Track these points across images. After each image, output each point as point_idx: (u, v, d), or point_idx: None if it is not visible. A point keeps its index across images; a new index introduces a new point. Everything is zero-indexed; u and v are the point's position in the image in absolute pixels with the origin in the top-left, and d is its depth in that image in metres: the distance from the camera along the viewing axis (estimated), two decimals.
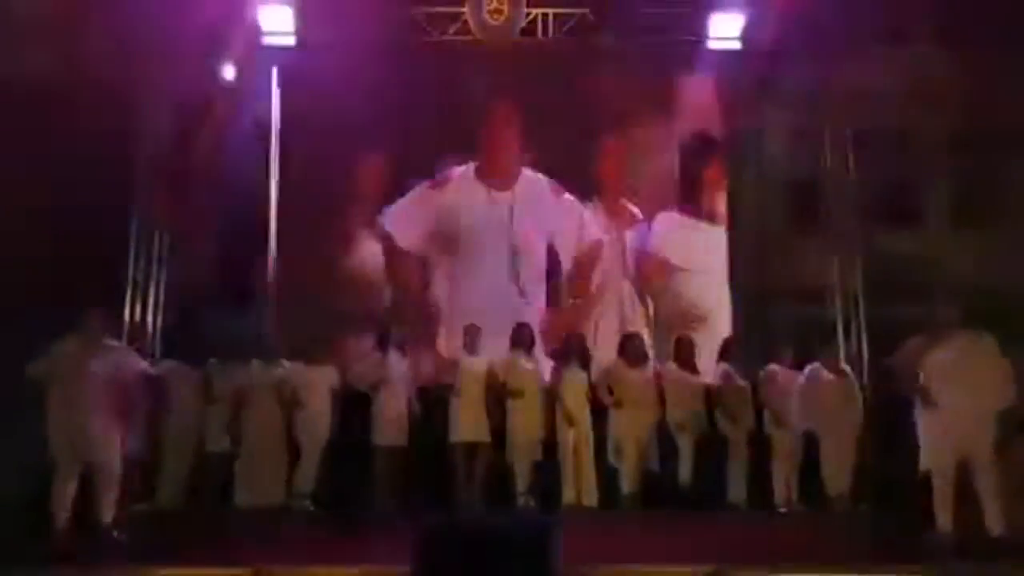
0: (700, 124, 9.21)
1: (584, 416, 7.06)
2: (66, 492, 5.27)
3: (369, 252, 8.80)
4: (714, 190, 9.22)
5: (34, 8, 7.73)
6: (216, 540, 5.37)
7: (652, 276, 9.04)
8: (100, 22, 7.46)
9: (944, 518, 5.11)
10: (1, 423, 5.99)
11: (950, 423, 5.12)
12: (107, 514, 5.32)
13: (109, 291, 7.76)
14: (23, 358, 5.97)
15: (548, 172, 8.92)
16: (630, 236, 9.09)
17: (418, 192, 8.82)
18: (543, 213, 8.88)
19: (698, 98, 9.17)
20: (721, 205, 9.15)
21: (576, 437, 6.99)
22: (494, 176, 8.90)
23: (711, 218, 9.23)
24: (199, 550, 5.02)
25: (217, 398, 6.87)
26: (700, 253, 9.13)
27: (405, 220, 8.79)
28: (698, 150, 9.23)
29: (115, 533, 5.33)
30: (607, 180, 9.13)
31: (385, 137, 8.63)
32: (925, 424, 5.28)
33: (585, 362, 7.26)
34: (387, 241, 8.78)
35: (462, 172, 8.90)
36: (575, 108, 8.84)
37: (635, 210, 9.13)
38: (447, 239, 8.76)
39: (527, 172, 8.92)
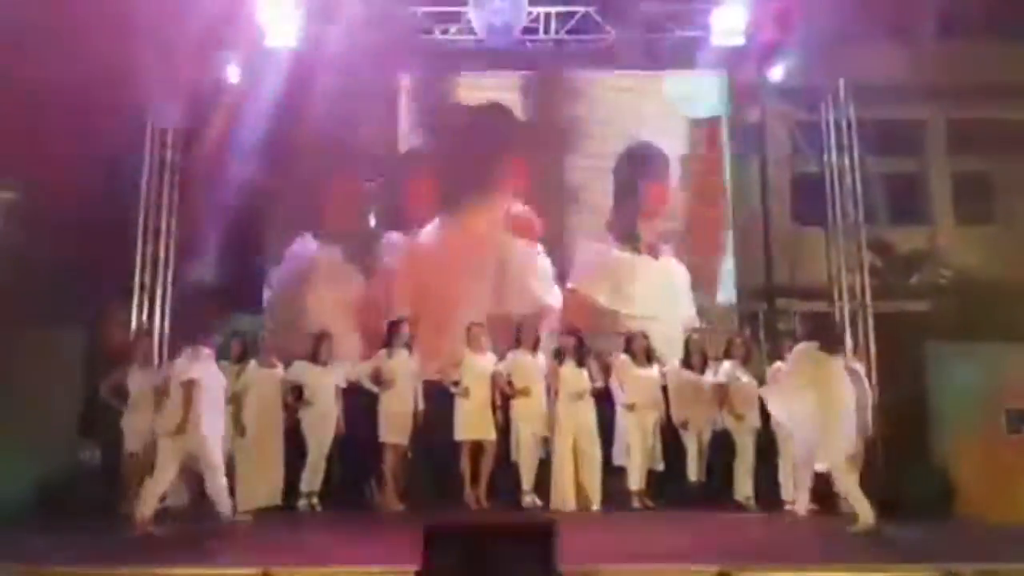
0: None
1: (580, 413, 6.95)
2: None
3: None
4: (655, 219, 8.45)
5: (41, 9, 7.76)
6: (224, 540, 5.38)
7: (575, 319, 7.89)
8: (106, 23, 7.48)
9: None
10: (8, 422, 6.06)
11: (797, 431, 5.83)
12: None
13: (116, 294, 7.80)
14: (30, 358, 6.02)
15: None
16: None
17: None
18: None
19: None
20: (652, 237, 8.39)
21: (574, 436, 6.90)
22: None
23: (652, 252, 8.40)
24: (207, 550, 5.03)
25: (226, 399, 6.85)
26: (639, 294, 8.25)
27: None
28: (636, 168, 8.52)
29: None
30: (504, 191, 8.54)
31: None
32: None
33: (581, 359, 7.11)
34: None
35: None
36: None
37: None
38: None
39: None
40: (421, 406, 7.02)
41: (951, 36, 9.77)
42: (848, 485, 5.59)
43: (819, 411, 5.56)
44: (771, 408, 6.17)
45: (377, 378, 6.99)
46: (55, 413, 7.08)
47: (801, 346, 5.85)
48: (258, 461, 6.74)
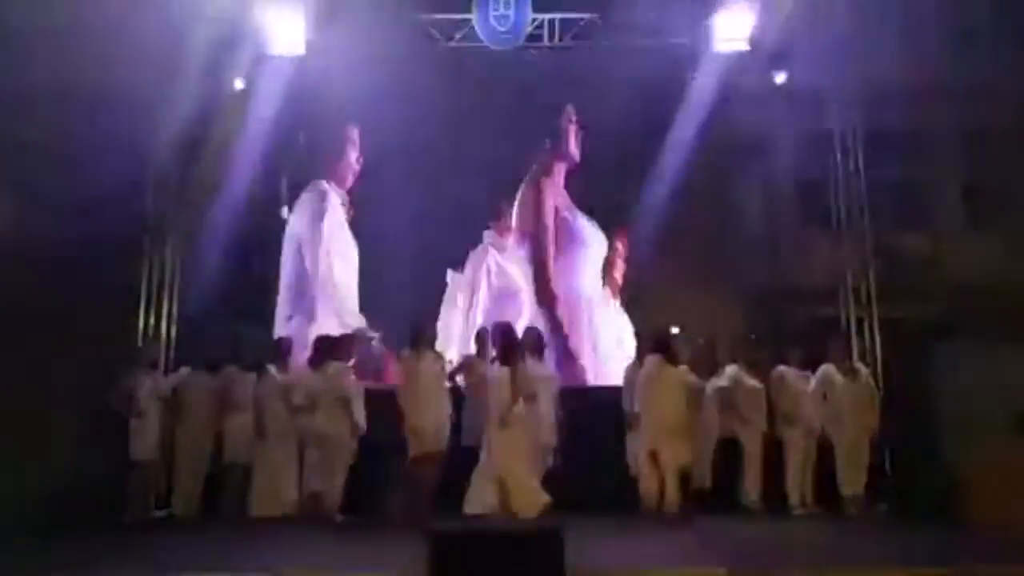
0: None
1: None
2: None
3: None
4: None
5: (46, 18, 7.83)
6: (234, 546, 5.40)
7: None
8: (111, 33, 7.54)
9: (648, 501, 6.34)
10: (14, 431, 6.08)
11: (647, 430, 6.36)
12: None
13: (124, 301, 7.84)
14: (40, 367, 6.04)
15: None
16: None
17: None
18: None
19: None
20: None
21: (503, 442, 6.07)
22: None
23: None
24: (217, 557, 5.04)
25: (238, 406, 6.85)
26: None
27: None
28: None
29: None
30: None
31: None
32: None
33: (509, 360, 6.20)
34: None
35: None
36: None
37: None
38: None
39: None
40: (449, 411, 6.54)
41: (959, 41, 9.76)
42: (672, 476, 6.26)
43: (656, 412, 6.33)
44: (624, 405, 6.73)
45: (404, 383, 6.45)
46: (61, 422, 7.10)
47: (649, 358, 6.57)
48: (276, 467, 6.72)
